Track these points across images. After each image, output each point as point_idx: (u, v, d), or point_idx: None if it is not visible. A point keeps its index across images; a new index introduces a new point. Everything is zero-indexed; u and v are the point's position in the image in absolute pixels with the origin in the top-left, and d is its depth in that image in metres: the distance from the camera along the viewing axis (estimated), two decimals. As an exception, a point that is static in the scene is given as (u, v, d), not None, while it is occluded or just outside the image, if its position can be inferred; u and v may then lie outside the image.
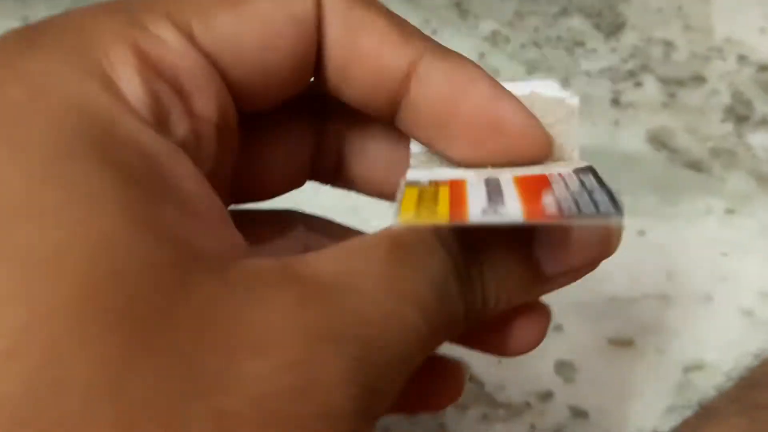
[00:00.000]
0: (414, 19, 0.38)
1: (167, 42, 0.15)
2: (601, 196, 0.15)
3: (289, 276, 0.14)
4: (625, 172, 0.37)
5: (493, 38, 0.38)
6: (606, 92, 0.37)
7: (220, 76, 0.15)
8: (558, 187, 0.15)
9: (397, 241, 0.14)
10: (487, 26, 0.38)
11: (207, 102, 0.15)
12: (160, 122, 0.14)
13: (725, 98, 0.38)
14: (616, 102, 0.37)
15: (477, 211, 0.13)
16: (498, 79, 0.17)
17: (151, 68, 0.14)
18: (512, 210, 0.13)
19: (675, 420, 0.33)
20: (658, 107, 0.37)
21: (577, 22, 0.38)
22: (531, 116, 0.17)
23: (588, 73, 0.38)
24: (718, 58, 0.38)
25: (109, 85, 0.14)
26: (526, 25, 0.38)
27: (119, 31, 0.14)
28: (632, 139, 0.37)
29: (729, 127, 0.37)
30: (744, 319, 0.36)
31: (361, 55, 0.16)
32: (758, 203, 0.37)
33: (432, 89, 0.16)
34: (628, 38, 0.38)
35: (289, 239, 0.19)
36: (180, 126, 0.15)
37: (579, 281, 0.37)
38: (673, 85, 0.38)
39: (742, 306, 0.36)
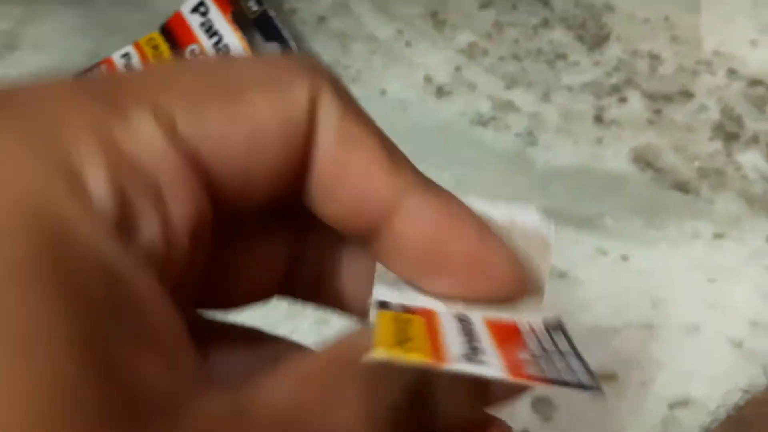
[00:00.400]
0: (387, 30, 0.36)
1: (146, 136, 0.13)
2: (577, 365, 0.15)
3: (243, 421, 0.13)
4: (609, 193, 0.35)
5: (470, 50, 0.36)
6: (589, 108, 0.36)
7: (200, 178, 0.14)
8: (532, 343, 0.15)
9: (359, 367, 0.14)
10: (464, 38, 0.36)
11: (183, 206, 0.14)
12: (128, 228, 0.13)
13: (714, 114, 0.36)
14: (599, 119, 0.35)
15: (457, 354, 0.13)
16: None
17: (124, 166, 0.13)
18: (493, 362, 0.13)
19: (658, 460, 0.32)
20: (643, 124, 0.36)
21: (558, 34, 0.37)
22: (518, 261, 0.16)
23: (570, 88, 0.36)
24: (706, 72, 0.37)
25: (74, 185, 0.12)
26: (506, 37, 0.36)
27: (95, 119, 0.13)
28: (616, 158, 0.35)
29: (718, 145, 0.36)
30: (733, 350, 0.34)
31: (348, 175, 0.15)
32: (748, 227, 0.35)
33: (418, 227, 0.15)
34: (613, 51, 0.37)
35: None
36: (150, 232, 0.13)
37: (558, 309, 0.35)
38: (659, 100, 0.36)
39: (731, 336, 0.34)
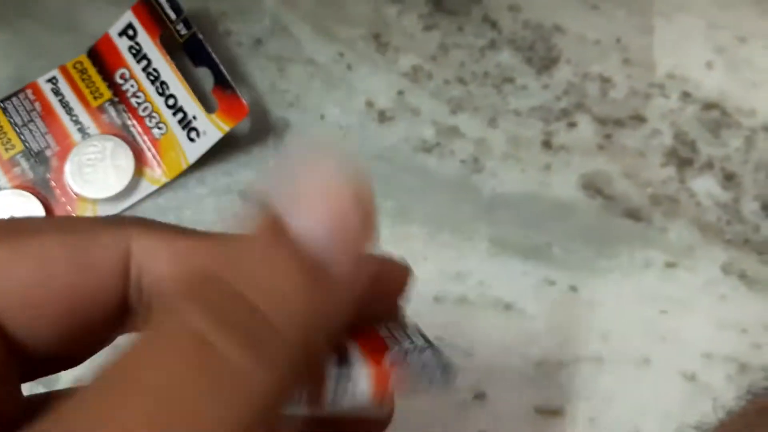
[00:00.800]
0: (328, 53, 0.35)
1: None
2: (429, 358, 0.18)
3: None
4: (557, 221, 0.34)
5: (414, 74, 0.35)
6: (537, 133, 0.35)
7: None
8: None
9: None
10: (407, 61, 0.35)
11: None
12: None
13: (667, 139, 0.35)
14: (547, 144, 0.35)
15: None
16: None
17: None
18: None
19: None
20: (593, 150, 0.35)
21: (506, 57, 0.36)
22: None
23: (517, 113, 0.35)
24: (659, 95, 0.36)
25: None
26: (451, 60, 0.36)
27: None
28: (565, 185, 0.34)
29: (671, 171, 0.35)
30: (685, 384, 0.33)
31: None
32: (701, 256, 0.34)
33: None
34: (562, 74, 0.36)
35: None
36: None
37: (503, 343, 0.34)
38: (610, 125, 0.35)
39: (683, 370, 0.34)
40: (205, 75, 0.33)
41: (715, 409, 0.32)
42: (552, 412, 0.33)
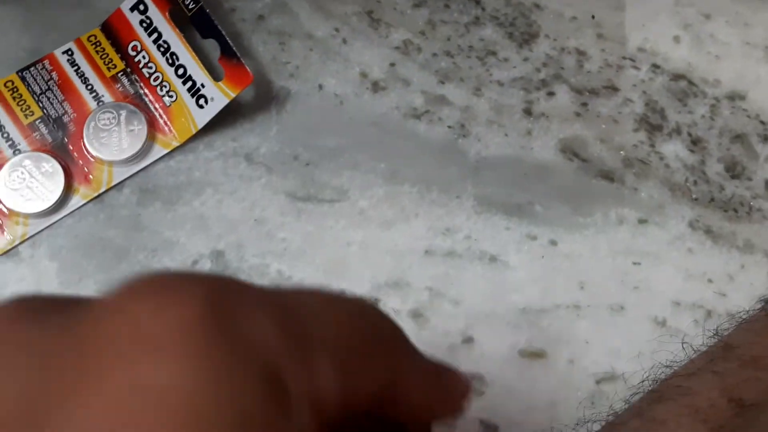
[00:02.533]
0: (325, 28, 0.39)
1: (331, 387, 0.18)
2: None
3: None
4: (537, 182, 0.38)
5: (405, 47, 0.39)
6: (518, 102, 0.38)
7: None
8: None
9: None
10: (398, 35, 0.39)
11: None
12: None
13: (638, 108, 0.39)
14: (528, 112, 0.38)
15: None
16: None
17: (318, 408, 0.18)
18: None
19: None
20: (570, 117, 0.38)
21: (489, 32, 0.39)
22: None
23: (500, 83, 0.39)
24: (631, 67, 0.40)
25: (288, 415, 0.17)
26: (438, 35, 0.39)
27: (300, 368, 0.18)
28: (544, 149, 0.38)
29: (642, 136, 0.39)
30: (656, 329, 0.37)
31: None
32: (670, 213, 0.38)
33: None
34: (541, 48, 0.39)
35: None
36: None
37: (489, 292, 0.37)
38: (585, 94, 0.39)
39: (654, 316, 0.37)
40: (212, 46, 0.37)
41: (684, 348, 0.36)
42: (534, 354, 0.37)
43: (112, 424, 0.15)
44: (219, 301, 0.17)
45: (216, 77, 0.36)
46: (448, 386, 0.23)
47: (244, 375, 0.16)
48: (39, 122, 0.36)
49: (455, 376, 0.23)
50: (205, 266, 0.36)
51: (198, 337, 0.16)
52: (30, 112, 0.36)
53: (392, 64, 0.39)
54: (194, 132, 0.36)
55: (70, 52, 0.37)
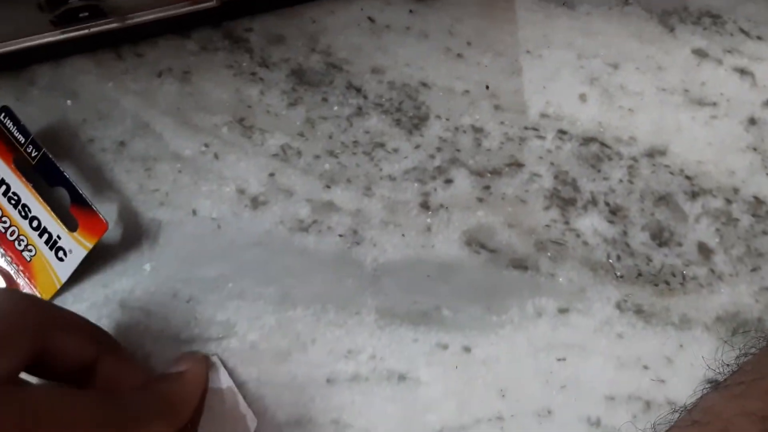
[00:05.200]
0: (192, 145, 0.37)
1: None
2: None
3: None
4: (443, 283, 0.35)
5: (284, 153, 0.36)
6: (414, 196, 0.36)
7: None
8: None
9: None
10: (275, 141, 0.37)
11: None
12: None
13: (547, 182, 0.36)
14: (425, 205, 0.36)
15: None
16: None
17: None
18: None
19: None
20: (473, 204, 0.36)
21: (374, 122, 0.37)
22: None
23: (392, 177, 0.36)
24: (534, 137, 0.37)
25: None
26: (319, 134, 0.37)
27: None
28: (447, 244, 0.36)
29: (554, 214, 0.36)
30: (591, 430, 0.34)
31: None
32: (594, 296, 0.35)
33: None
34: (433, 131, 0.37)
35: None
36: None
37: (401, 415, 0.35)
38: (487, 176, 0.37)
39: (586, 416, 0.35)
40: (63, 193, 0.34)
41: (618, 456, 0.33)
42: (457, 479, 0.34)
43: None
44: None
45: (71, 227, 0.34)
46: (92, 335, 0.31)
47: None
48: None
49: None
50: None
51: None
52: None
53: (271, 174, 0.37)
54: (59, 287, 0.34)
55: None
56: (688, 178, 0.38)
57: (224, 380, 0.33)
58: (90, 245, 0.33)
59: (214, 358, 0.34)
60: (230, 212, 0.37)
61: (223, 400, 0.33)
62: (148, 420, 0.29)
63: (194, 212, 0.37)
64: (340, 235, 0.37)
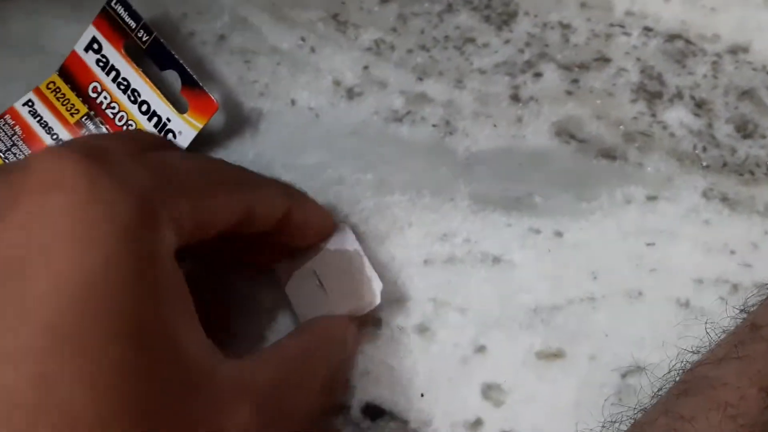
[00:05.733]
0: (289, 39, 0.38)
1: (187, 218, 0.27)
2: None
3: (245, 390, 0.27)
4: (534, 171, 0.37)
5: (377, 47, 0.38)
6: (504, 89, 0.37)
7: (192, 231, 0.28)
8: None
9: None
10: (368, 36, 0.38)
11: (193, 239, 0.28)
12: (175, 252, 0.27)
13: (634, 76, 0.37)
14: (515, 98, 0.37)
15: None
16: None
17: (178, 226, 0.27)
18: None
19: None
20: (561, 96, 0.37)
21: (464, 18, 0.38)
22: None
23: (482, 71, 0.37)
24: (621, 34, 0.38)
25: (157, 226, 0.26)
26: (411, 29, 0.38)
27: (168, 199, 0.27)
28: (538, 134, 0.37)
29: (641, 107, 0.37)
30: (680, 311, 0.36)
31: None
32: (681, 185, 0.37)
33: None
34: (522, 27, 0.38)
35: None
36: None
37: (496, 295, 0.36)
38: (575, 70, 0.37)
39: (676, 297, 0.36)
40: (172, 77, 0.36)
41: (708, 331, 0.34)
42: (552, 355, 0.35)
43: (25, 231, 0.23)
44: (100, 155, 0.25)
45: (180, 109, 0.35)
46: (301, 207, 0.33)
47: (124, 199, 0.24)
48: (8, 180, 0.36)
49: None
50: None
51: (86, 177, 0.24)
52: (-3, 170, 0.36)
53: (366, 67, 0.38)
54: (167, 169, 0.35)
55: (30, 103, 0.36)
56: (770, 74, 0.39)
57: (351, 243, 0.34)
58: (200, 126, 0.34)
59: (342, 223, 0.35)
60: (327, 103, 0.38)
61: (350, 261, 0.34)
62: None
63: (293, 102, 0.38)
64: (434, 125, 0.38)
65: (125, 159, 0.26)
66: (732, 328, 0.35)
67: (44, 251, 0.23)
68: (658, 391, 0.34)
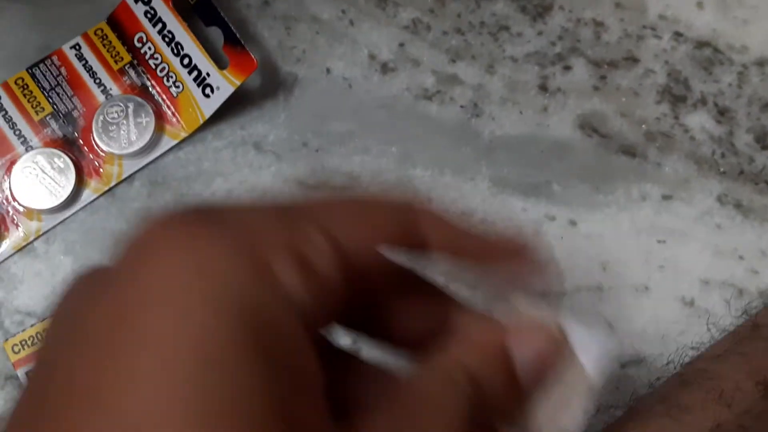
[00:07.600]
0: (330, 10, 0.39)
1: (320, 248, 0.21)
2: None
3: None
4: (555, 160, 0.37)
5: (414, 26, 0.38)
6: (533, 78, 0.38)
7: (346, 268, 0.21)
8: None
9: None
10: (407, 15, 0.39)
11: (340, 287, 0.21)
12: (310, 313, 0.20)
13: (660, 78, 0.38)
14: (543, 88, 0.38)
15: None
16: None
17: (308, 269, 0.20)
18: None
19: (610, 418, 0.33)
20: (588, 91, 0.38)
21: (501, 6, 0.39)
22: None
23: (514, 59, 0.38)
24: (652, 36, 0.39)
25: (274, 284, 0.19)
26: (448, 12, 0.39)
27: (283, 236, 0.20)
28: (561, 125, 0.37)
29: (665, 108, 0.38)
30: (683, 309, 0.36)
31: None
32: (697, 187, 0.37)
33: None
34: (556, 20, 0.39)
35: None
36: (323, 308, 0.21)
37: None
38: (604, 67, 0.38)
39: (681, 295, 0.36)
40: (215, 34, 0.37)
41: (710, 329, 0.35)
42: (555, 338, 0.36)
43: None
44: (205, 215, 0.20)
45: (221, 65, 0.36)
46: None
47: (233, 264, 0.19)
48: (49, 118, 0.37)
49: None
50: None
51: (193, 239, 0.19)
52: (40, 108, 0.37)
53: (401, 45, 0.39)
54: (202, 122, 0.36)
55: (77, 47, 0.37)
56: (795, 89, 0.39)
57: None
58: (238, 82, 0.36)
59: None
60: (361, 75, 0.39)
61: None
62: None
63: (328, 71, 0.39)
64: (462, 106, 0.39)
65: (234, 212, 0.21)
66: (733, 328, 0.36)
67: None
68: (656, 380, 0.34)
